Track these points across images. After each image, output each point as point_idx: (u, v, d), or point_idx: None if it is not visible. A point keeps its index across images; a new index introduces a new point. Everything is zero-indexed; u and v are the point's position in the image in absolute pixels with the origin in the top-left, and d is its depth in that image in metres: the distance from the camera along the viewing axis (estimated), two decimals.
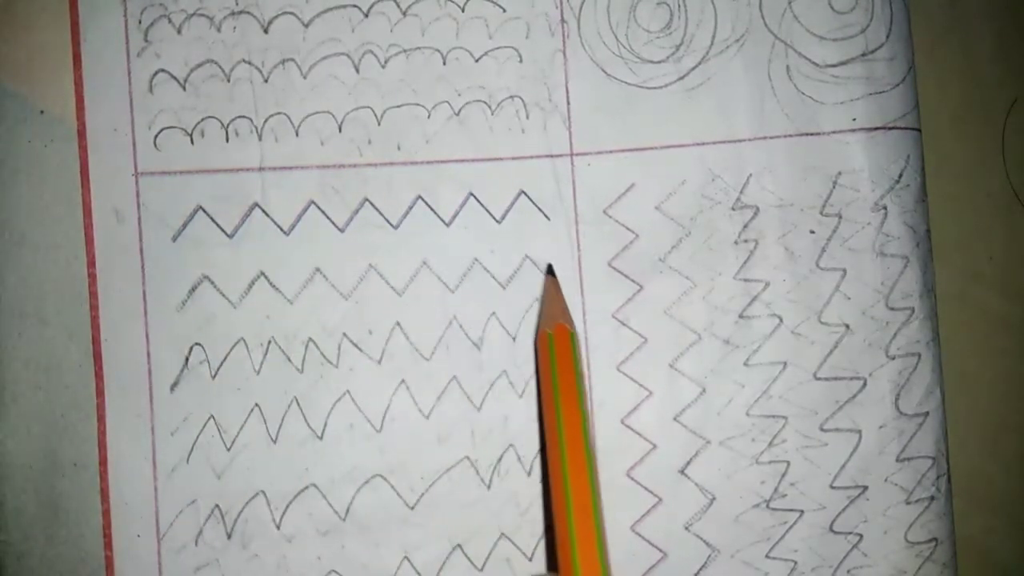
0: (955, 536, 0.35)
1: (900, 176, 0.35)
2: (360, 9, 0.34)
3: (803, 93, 0.35)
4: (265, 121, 0.33)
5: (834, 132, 0.35)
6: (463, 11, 0.34)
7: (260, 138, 0.33)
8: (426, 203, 0.34)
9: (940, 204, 0.37)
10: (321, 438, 0.32)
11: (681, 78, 0.35)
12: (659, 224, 0.34)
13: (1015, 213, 0.38)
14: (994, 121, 0.38)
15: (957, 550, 0.35)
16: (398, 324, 0.33)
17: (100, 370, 0.32)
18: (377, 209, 0.33)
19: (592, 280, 0.34)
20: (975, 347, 0.38)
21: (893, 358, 0.34)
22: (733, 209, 0.35)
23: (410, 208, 0.34)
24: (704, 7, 0.35)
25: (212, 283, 0.32)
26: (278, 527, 0.32)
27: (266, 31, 0.33)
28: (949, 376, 0.36)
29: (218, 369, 0.32)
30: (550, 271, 0.34)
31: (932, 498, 0.34)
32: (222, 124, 0.33)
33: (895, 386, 0.34)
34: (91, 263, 0.32)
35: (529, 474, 0.33)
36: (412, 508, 0.33)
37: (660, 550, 0.34)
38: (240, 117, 0.33)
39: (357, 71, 0.33)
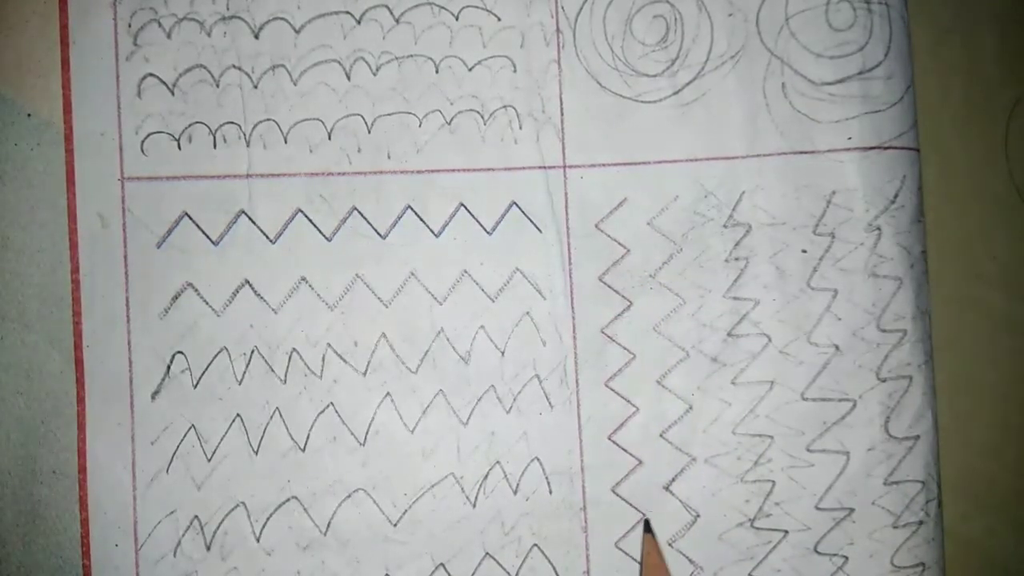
0: (944, 562, 0.35)
1: (895, 196, 0.34)
2: (352, 15, 0.33)
3: (798, 111, 0.34)
4: (254, 127, 0.33)
5: (829, 151, 0.34)
6: (457, 19, 0.34)
7: (248, 144, 0.33)
8: (415, 213, 0.33)
9: (943, 204, 0.37)
10: (303, 450, 0.32)
11: (676, 92, 0.34)
12: (650, 240, 0.34)
13: (1018, 212, 0.38)
14: (997, 121, 0.38)
15: (958, 550, 0.35)
16: (384, 336, 0.33)
17: (81, 377, 0.31)
18: (365, 218, 0.33)
19: (582, 294, 0.34)
20: (977, 347, 0.37)
21: (884, 380, 0.34)
22: (725, 226, 0.34)
23: (399, 218, 0.33)
24: (700, 22, 0.34)
25: (196, 290, 0.32)
26: (258, 540, 0.32)
27: (257, 36, 0.33)
28: (951, 376, 0.36)
29: (200, 378, 0.32)
30: (648, 528, 0.33)
31: (920, 523, 0.34)
32: (210, 130, 0.32)
33: (885, 409, 0.34)
34: (75, 268, 0.32)
35: (515, 492, 0.33)
36: (395, 525, 0.32)
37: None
38: (228, 123, 0.32)
39: (348, 78, 0.33)
